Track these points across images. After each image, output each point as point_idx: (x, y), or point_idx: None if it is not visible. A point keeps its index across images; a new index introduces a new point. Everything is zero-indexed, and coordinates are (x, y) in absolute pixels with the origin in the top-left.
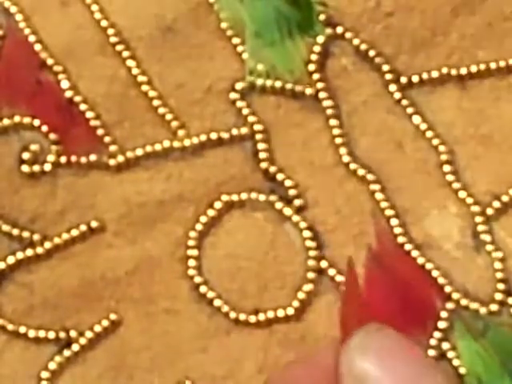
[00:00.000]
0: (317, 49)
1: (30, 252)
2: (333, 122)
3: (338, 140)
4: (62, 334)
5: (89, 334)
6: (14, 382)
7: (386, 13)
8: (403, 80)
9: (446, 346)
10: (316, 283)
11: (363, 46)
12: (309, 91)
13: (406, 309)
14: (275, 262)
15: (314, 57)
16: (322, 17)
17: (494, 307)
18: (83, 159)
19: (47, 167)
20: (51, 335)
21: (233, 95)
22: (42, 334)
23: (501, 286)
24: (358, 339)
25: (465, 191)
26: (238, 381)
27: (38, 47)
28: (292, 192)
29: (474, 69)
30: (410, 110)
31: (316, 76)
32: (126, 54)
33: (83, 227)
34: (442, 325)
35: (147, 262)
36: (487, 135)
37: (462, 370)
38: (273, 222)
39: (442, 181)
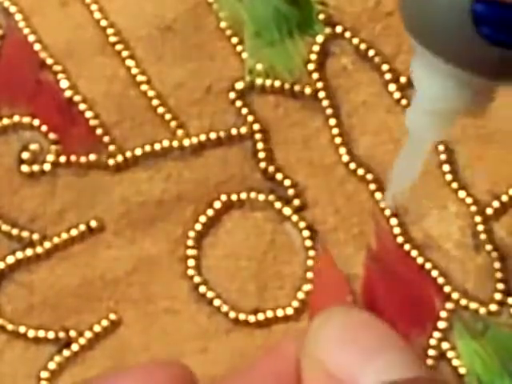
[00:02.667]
0: (316, 48)
1: (29, 252)
2: (332, 121)
3: (338, 139)
4: (62, 334)
5: (88, 334)
6: (14, 382)
7: (386, 12)
8: (403, 80)
9: (445, 345)
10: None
11: (363, 46)
12: (308, 91)
13: (405, 309)
14: (275, 262)
15: (313, 56)
16: (321, 16)
17: (493, 307)
18: (83, 159)
19: (47, 167)
20: (51, 335)
21: (232, 95)
22: (41, 333)
23: (500, 286)
24: (318, 322)
25: (464, 191)
26: None
27: (37, 47)
28: (291, 192)
29: None
30: None
31: (315, 75)
32: (125, 53)
33: (82, 227)
34: (441, 325)
35: (146, 262)
36: (487, 135)
37: (462, 370)
38: (272, 221)
39: (442, 180)
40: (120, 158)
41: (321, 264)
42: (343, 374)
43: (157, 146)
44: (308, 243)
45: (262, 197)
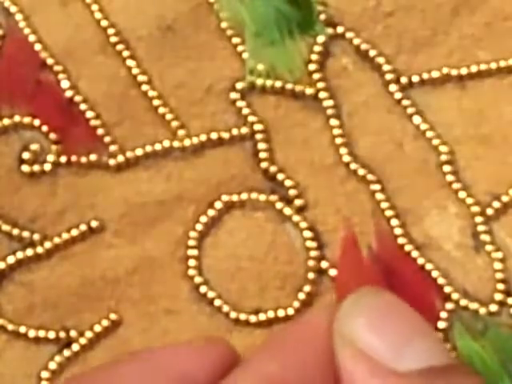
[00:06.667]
0: (317, 48)
1: (30, 252)
2: (333, 121)
3: (339, 140)
4: (62, 334)
5: (89, 334)
6: (14, 382)
7: (387, 12)
8: (403, 80)
9: (445, 346)
10: (316, 284)
11: (364, 46)
12: (309, 91)
13: None
14: (275, 262)
15: (314, 56)
16: (322, 16)
17: (493, 307)
18: (83, 159)
19: (47, 167)
20: (51, 335)
21: (233, 95)
22: (42, 333)
23: (500, 287)
24: (350, 301)
25: (465, 191)
26: None
27: (37, 47)
28: (292, 192)
29: (474, 69)
30: (410, 110)
31: (316, 76)
32: (126, 53)
33: (83, 227)
34: (441, 325)
35: (147, 262)
36: (487, 135)
37: None
38: (273, 222)
39: (442, 181)
40: (121, 158)
41: (345, 244)
42: (378, 355)
43: (157, 146)
44: (309, 243)
45: (262, 197)
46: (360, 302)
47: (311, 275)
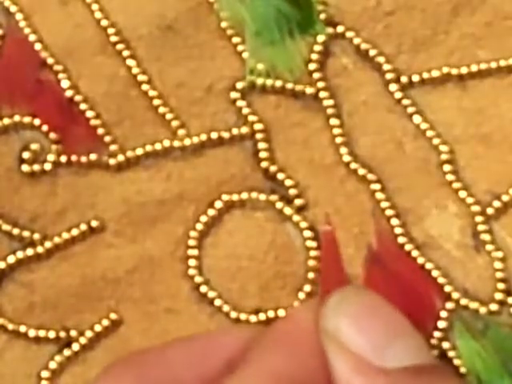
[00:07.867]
0: (317, 48)
1: (30, 251)
2: (333, 121)
3: (339, 139)
4: (63, 334)
5: (89, 334)
6: (15, 382)
7: (387, 12)
8: (404, 79)
9: (446, 345)
10: (317, 283)
11: (364, 46)
12: (309, 90)
13: (405, 309)
14: (276, 262)
15: (314, 56)
16: (322, 16)
17: (493, 307)
18: (83, 158)
19: (47, 166)
20: (51, 335)
21: (233, 94)
22: (42, 333)
23: (501, 286)
24: (335, 299)
25: (465, 191)
26: None
27: (38, 46)
28: (292, 191)
29: (474, 68)
30: (410, 110)
31: (316, 75)
32: (126, 53)
33: (83, 227)
34: (441, 324)
35: (147, 262)
36: (487, 135)
37: (462, 370)
38: (273, 221)
39: (443, 180)
40: (121, 157)
41: (325, 241)
42: (362, 353)
43: (158, 146)
44: (309, 243)
45: (263, 197)
46: (344, 300)
47: (311, 275)
